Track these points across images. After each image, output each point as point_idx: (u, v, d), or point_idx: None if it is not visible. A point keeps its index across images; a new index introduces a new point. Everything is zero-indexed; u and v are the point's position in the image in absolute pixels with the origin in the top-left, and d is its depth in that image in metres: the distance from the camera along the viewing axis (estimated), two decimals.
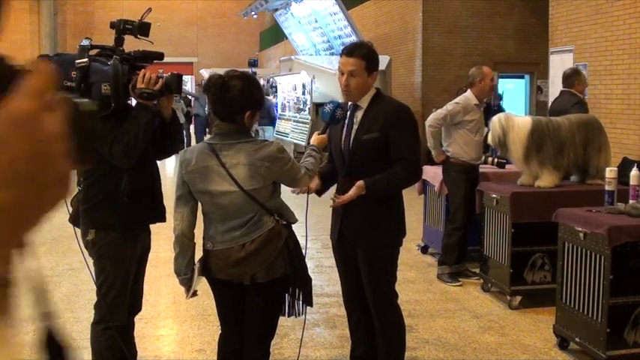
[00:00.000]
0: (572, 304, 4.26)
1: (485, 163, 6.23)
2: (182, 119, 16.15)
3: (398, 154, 3.37)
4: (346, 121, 3.49)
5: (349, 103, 3.50)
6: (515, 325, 4.87)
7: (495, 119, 5.29)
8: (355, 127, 3.45)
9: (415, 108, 13.59)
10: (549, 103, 9.89)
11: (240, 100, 2.93)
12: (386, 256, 3.54)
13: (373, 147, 3.37)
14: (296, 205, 3.27)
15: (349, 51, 3.40)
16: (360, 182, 3.31)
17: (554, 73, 10.03)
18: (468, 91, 5.91)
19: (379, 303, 3.53)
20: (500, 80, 14.16)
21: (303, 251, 3.17)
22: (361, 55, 3.36)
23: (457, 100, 5.91)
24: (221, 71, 3.16)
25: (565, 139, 5.09)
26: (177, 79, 3.20)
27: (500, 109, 11.54)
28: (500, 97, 13.58)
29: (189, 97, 18.16)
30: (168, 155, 3.58)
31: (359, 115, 3.45)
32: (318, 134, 3.42)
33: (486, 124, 6.02)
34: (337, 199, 3.37)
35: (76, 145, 0.64)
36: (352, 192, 3.30)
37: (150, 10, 3.21)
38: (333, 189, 3.62)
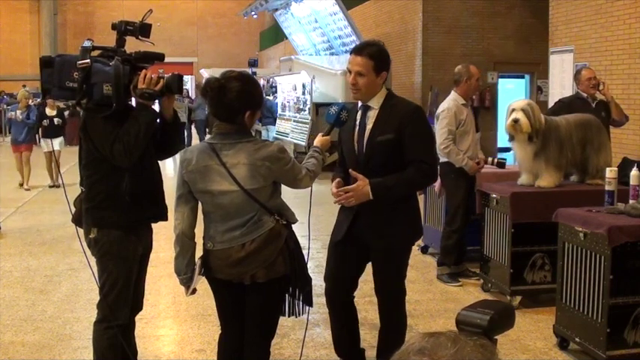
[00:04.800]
0: (572, 304, 4.26)
1: (486, 163, 6.22)
2: (184, 118, 16.19)
3: (414, 156, 3.33)
4: (357, 123, 3.46)
5: (359, 103, 3.48)
6: (515, 325, 4.85)
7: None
8: (368, 128, 3.40)
9: None
10: (549, 103, 9.92)
11: (239, 101, 2.92)
12: (400, 257, 3.54)
13: (388, 148, 3.34)
14: (296, 205, 3.27)
15: (358, 50, 3.36)
16: (366, 186, 3.29)
17: (554, 73, 10.04)
18: (452, 92, 5.82)
19: (388, 303, 3.57)
20: (500, 80, 14.19)
21: (305, 251, 3.17)
22: (369, 54, 3.32)
23: (443, 107, 5.77)
24: (221, 72, 3.15)
25: (563, 139, 5.09)
26: (178, 80, 3.23)
27: None
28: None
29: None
30: (170, 155, 3.59)
31: (371, 116, 3.41)
32: (322, 136, 3.41)
33: (476, 124, 5.97)
34: (341, 196, 3.36)
35: None
36: (356, 196, 3.31)
37: (151, 11, 3.23)
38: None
